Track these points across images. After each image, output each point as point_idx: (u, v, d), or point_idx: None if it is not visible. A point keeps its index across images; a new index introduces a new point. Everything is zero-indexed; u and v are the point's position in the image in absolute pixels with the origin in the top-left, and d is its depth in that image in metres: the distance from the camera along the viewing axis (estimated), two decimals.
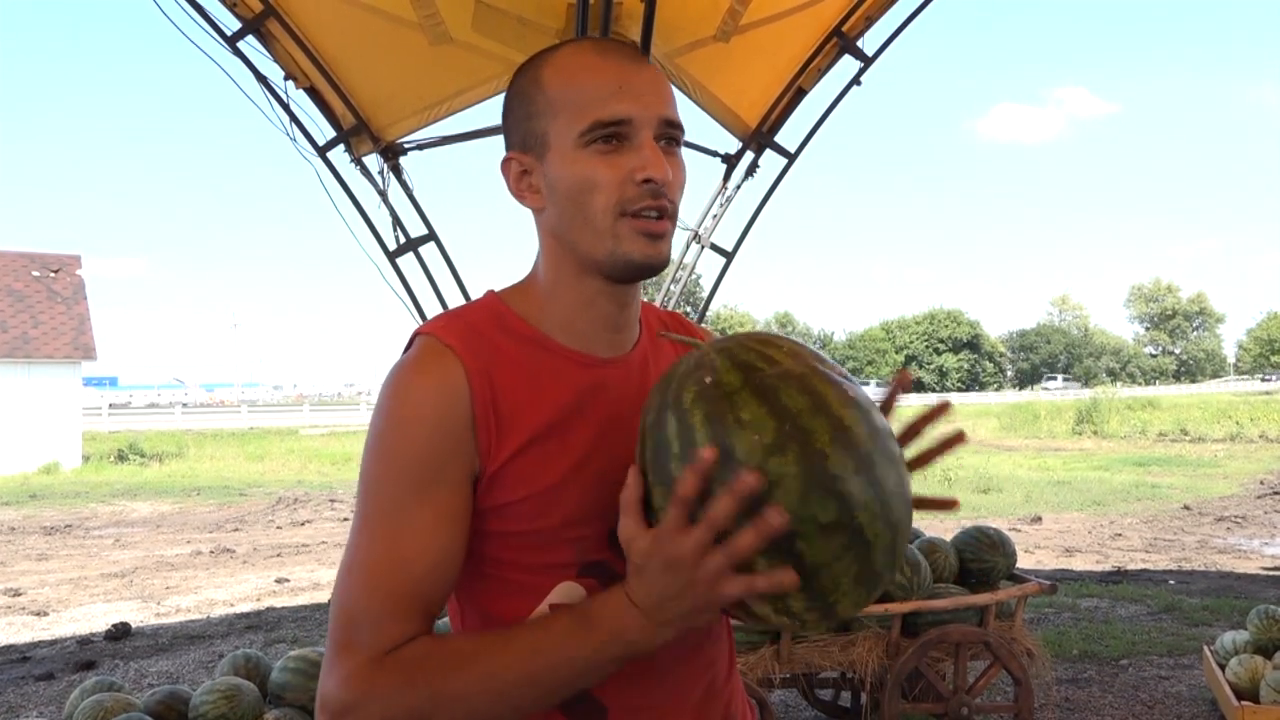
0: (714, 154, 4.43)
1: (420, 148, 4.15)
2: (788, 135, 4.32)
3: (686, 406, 0.84)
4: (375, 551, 0.94)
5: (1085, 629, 5.74)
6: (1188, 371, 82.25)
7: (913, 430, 1.00)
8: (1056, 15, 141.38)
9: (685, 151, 1.05)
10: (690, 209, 4.58)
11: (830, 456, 0.80)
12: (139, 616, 6.64)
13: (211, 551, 9.27)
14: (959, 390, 67.26)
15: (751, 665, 3.29)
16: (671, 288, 4.69)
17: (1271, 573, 7.65)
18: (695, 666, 1.06)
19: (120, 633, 6.07)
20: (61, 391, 19.46)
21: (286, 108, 3.72)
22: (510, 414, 0.97)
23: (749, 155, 4.39)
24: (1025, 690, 3.53)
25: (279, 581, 7.74)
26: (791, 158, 4.34)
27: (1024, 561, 7.93)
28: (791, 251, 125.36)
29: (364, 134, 3.89)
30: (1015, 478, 15.05)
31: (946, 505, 1.00)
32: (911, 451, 0.99)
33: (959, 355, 72.68)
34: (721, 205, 4.49)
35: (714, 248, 4.49)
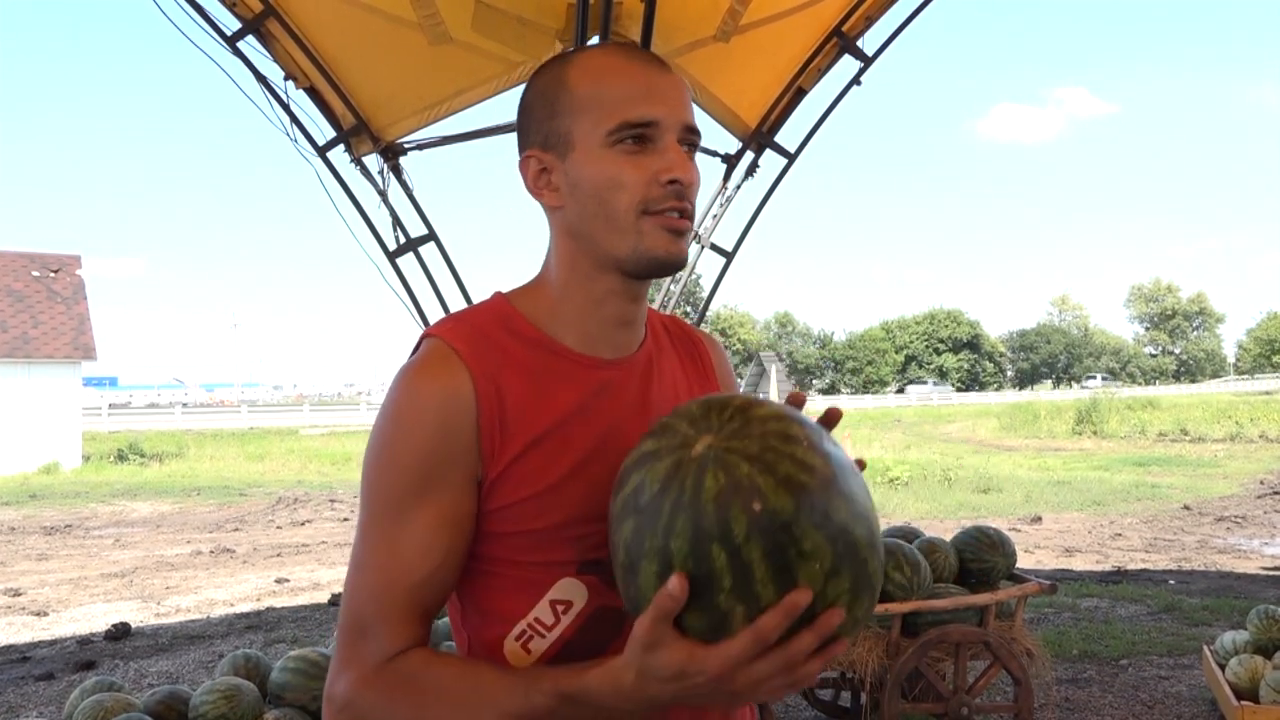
0: (714, 154, 4.43)
1: (420, 148, 4.15)
2: (788, 135, 4.32)
3: (739, 542, 0.79)
4: (378, 556, 0.96)
5: (1085, 629, 5.74)
6: (1188, 371, 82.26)
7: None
8: (1056, 15, 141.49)
9: None
10: None
11: (869, 560, 0.85)
12: (139, 616, 6.64)
13: (211, 551, 9.28)
14: (959, 390, 67.25)
15: None
16: (672, 288, 4.69)
17: (1271, 573, 7.65)
18: None
19: (120, 633, 6.07)
20: (61, 391, 19.46)
21: (286, 108, 3.72)
22: (514, 418, 0.98)
23: (749, 155, 4.39)
24: (1025, 690, 3.53)
25: (279, 581, 7.74)
26: (791, 158, 4.34)
27: (1024, 561, 7.94)
28: (791, 251, 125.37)
29: (364, 134, 3.89)
30: (1015, 478, 15.05)
31: None
32: None
33: (959, 355, 72.66)
34: (721, 205, 4.49)
35: (714, 248, 4.48)
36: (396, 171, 4.09)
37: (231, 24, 3.49)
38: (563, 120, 1.01)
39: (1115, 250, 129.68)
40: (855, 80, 4.10)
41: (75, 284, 21.06)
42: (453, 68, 3.71)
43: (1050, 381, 75.81)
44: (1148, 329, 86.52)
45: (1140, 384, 70.24)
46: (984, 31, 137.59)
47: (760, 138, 4.30)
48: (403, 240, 4.01)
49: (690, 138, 1.01)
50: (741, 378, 36.30)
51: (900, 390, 65.62)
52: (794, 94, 4.17)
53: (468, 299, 4.09)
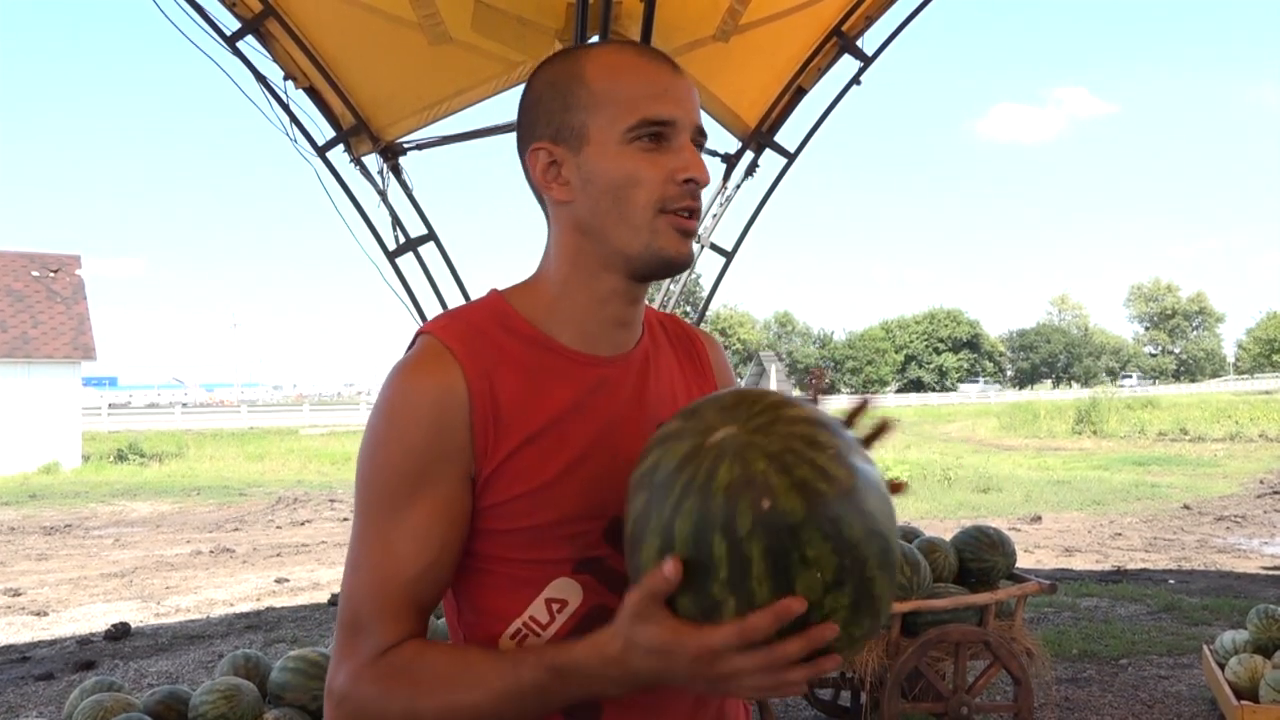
0: (714, 154, 4.43)
1: (420, 147, 4.15)
2: (787, 135, 4.33)
3: (742, 535, 0.79)
4: (373, 553, 0.97)
5: (1085, 628, 5.74)
6: (1187, 371, 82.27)
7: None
8: (1056, 15, 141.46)
9: None
10: None
11: (876, 580, 0.82)
12: (139, 616, 6.64)
13: (211, 551, 9.28)
14: (959, 389, 67.23)
15: None
16: (671, 288, 4.69)
17: (1271, 572, 7.65)
18: None
19: (120, 633, 6.07)
20: (61, 391, 19.46)
21: (286, 108, 3.72)
22: (509, 415, 0.98)
23: (749, 155, 4.39)
24: (1025, 690, 3.53)
25: (279, 581, 7.74)
26: (791, 157, 4.34)
27: (1024, 561, 7.94)
28: (791, 251, 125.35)
29: (363, 134, 3.89)
30: (1015, 477, 15.06)
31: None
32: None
33: (959, 355, 72.67)
34: (721, 205, 4.49)
35: (714, 247, 4.49)
36: (396, 171, 4.09)
37: (231, 24, 3.49)
38: (577, 114, 1.00)
39: (1115, 250, 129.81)
40: (855, 80, 4.10)
41: (75, 284, 21.06)
42: (452, 68, 3.71)
43: (1050, 381, 75.82)
44: (1147, 329, 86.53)
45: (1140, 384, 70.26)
46: (984, 31, 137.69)
47: (760, 137, 4.30)
48: (402, 240, 4.01)
49: (700, 139, 1.03)
50: (741, 377, 36.25)
51: (951, 388, 65.98)
52: (794, 93, 4.17)
53: (467, 299, 4.09)
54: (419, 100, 3.90)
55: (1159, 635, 5.55)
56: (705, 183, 1.00)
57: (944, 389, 67.91)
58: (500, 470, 0.97)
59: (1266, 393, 47.15)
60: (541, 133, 1.03)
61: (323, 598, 7.09)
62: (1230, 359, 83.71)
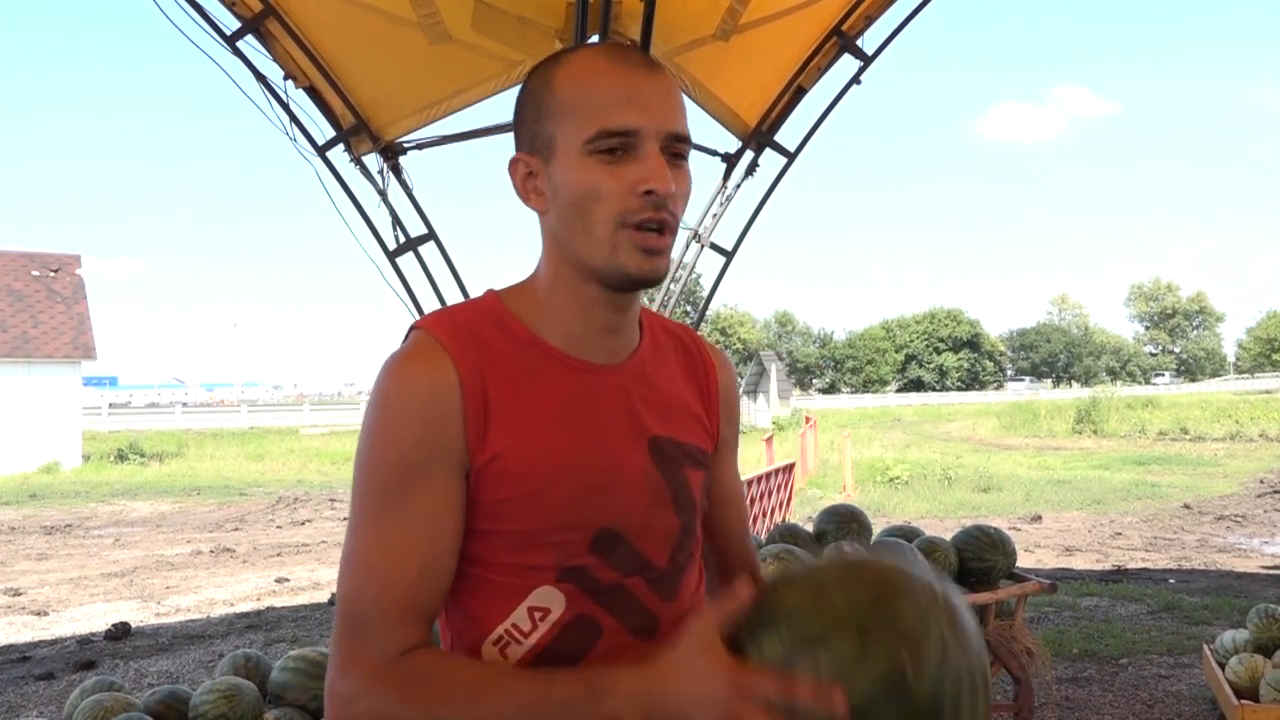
0: (714, 153, 4.43)
1: (420, 147, 4.15)
2: (787, 134, 4.33)
3: (855, 688, 0.85)
4: (375, 549, 0.96)
5: (1085, 628, 5.74)
6: (1187, 370, 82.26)
7: None
8: (1056, 14, 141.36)
9: None
10: (691, 208, 4.53)
11: None
12: (139, 616, 6.64)
13: (211, 551, 9.28)
14: (959, 389, 67.26)
15: None
16: (671, 287, 4.69)
17: (1271, 571, 7.65)
18: None
19: (120, 632, 6.07)
20: (61, 391, 19.46)
21: (286, 107, 3.72)
22: (498, 414, 0.97)
23: (749, 154, 4.39)
24: (1025, 689, 3.53)
25: (279, 581, 7.74)
26: (791, 157, 4.34)
27: (1024, 560, 7.93)
28: (791, 251, 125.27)
29: (363, 133, 3.89)
30: (1015, 477, 15.05)
31: None
32: None
33: (959, 354, 72.63)
34: (721, 204, 4.49)
35: (714, 247, 4.49)
36: (396, 171, 4.09)
37: (231, 23, 3.49)
38: (547, 124, 0.99)
39: (1115, 249, 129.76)
40: (855, 79, 4.10)
41: (75, 283, 21.07)
42: (452, 67, 3.71)
43: (1050, 380, 75.83)
44: (1147, 328, 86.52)
45: (1140, 383, 70.26)
46: (984, 31, 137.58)
47: (760, 137, 4.30)
48: (402, 240, 4.01)
49: (675, 146, 0.98)
50: (742, 377, 36.25)
51: (999, 387, 66.12)
52: (794, 93, 4.17)
53: (467, 298, 4.07)
54: (419, 100, 3.89)
55: (1159, 635, 5.55)
56: (667, 193, 0.95)
57: (944, 388, 67.88)
58: (487, 469, 0.97)
59: (1267, 392, 47.16)
60: (521, 142, 1.03)
61: (323, 597, 7.09)
62: (1231, 358, 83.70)
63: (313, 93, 3.76)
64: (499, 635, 1.00)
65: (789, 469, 10.76)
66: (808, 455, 15.11)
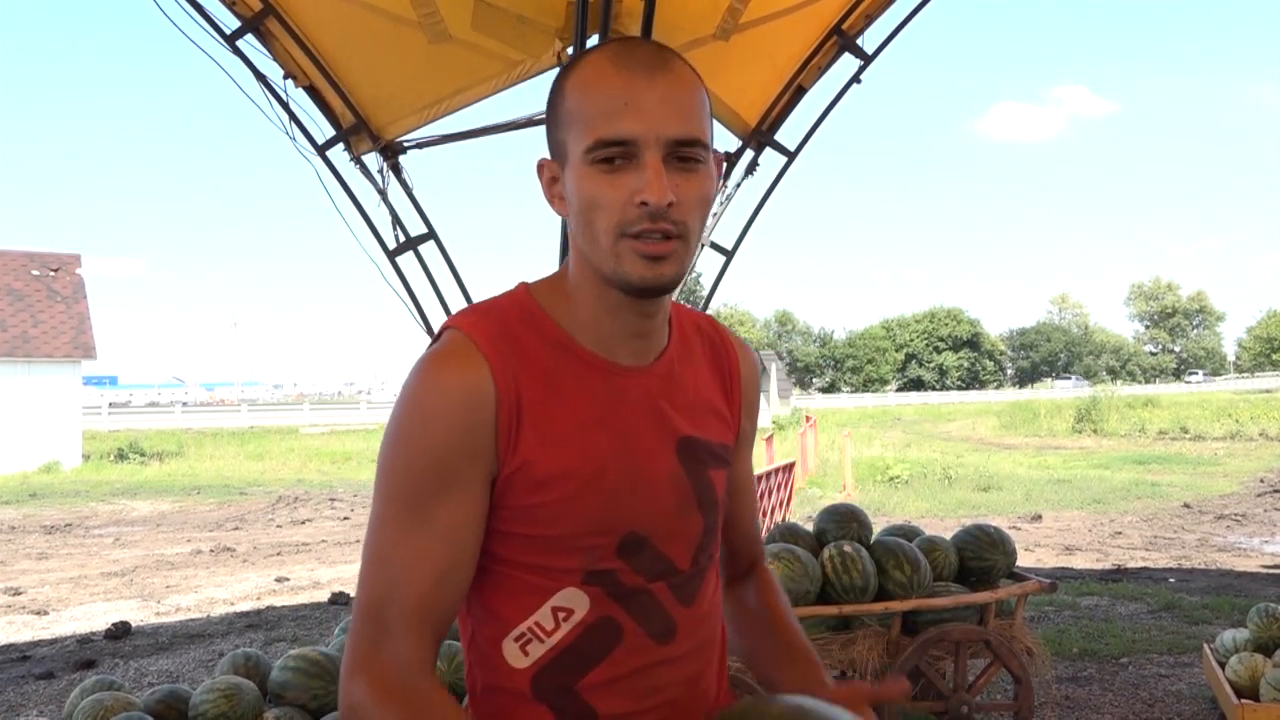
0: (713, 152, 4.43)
1: (420, 146, 4.15)
2: (788, 133, 4.32)
3: None
4: (398, 551, 0.96)
5: (1085, 627, 5.74)
6: (1188, 370, 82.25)
7: None
8: (1056, 14, 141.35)
9: None
10: None
11: None
12: (139, 615, 6.64)
13: (212, 550, 9.28)
14: (959, 389, 67.25)
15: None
16: None
17: (1271, 571, 7.65)
18: (685, 673, 1.07)
19: (120, 632, 6.07)
20: (61, 390, 19.46)
21: (286, 106, 3.72)
22: (531, 419, 0.97)
23: (749, 154, 4.39)
24: (1025, 688, 3.53)
25: (279, 580, 7.74)
26: (791, 156, 4.34)
27: (1024, 560, 7.93)
28: (791, 250, 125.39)
29: (363, 133, 3.89)
30: (1015, 476, 15.05)
31: None
32: None
33: (959, 354, 72.64)
34: (721, 204, 4.48)
35: (714, 246, 4.48)
36: (396, 170, 4.08)
37: (231, 22, 3.49)
38: (560, 131, 0.99)
39: (1115, 249, 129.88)
40: (855, 78, 4.09)
41: (75, 283, 21.06)
42: (452, 66, 3.70)
43: (1050, 380, 75.82)
44: (1148, 327, 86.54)
45: (1140, 382, 70.23)
46: (983, 30, 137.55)
47: (760, 136, 4.29)
48: (402, 239, 4.00)
49: (680, 151, 0.94)
50: None
51: (1050, 386, 66.05)
52: (794, 92, 4.17)
53: (467, 297, 4.09)
54: (419, 99, 3.89)
55: (1159, 634, 5.55)
56: (660, 205, 0.92)
57: (944, 388, 67.86)
58: (518, 475, 0.97)
59: (1267, 391, 47.15)
60: (549, 146, 1.03)
61: (323, 597, 7.09)
62: (1231, 358, 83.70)
63: (313, 92, 3.76)
64: (521, 632, 1.00)
65: (789, 468, 10.76)
66: (808, 454, 15.10)
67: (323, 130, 3.84)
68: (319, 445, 23.65)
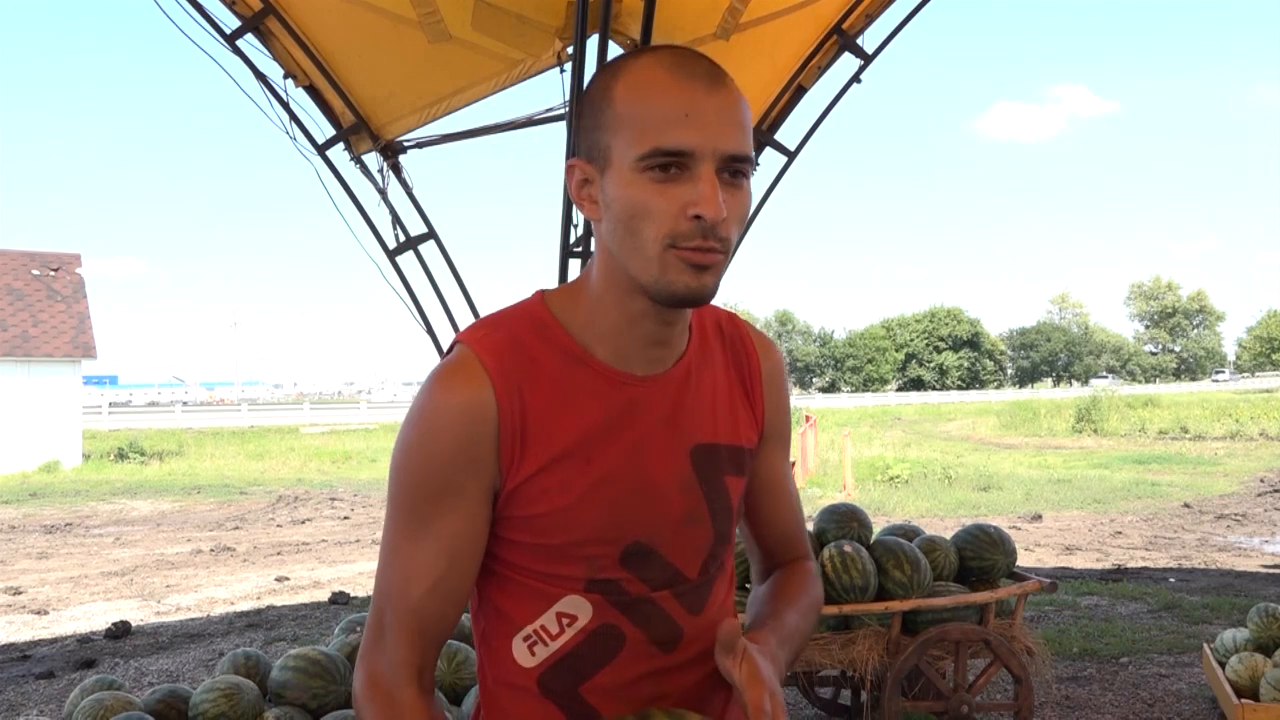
0: None
1: (420, 146, 4.15)
2: (788, 133, 4.32)
3: None
4: (399, 558, 1.01)
5: (1085, 627, 5.74)
6: (1188, 369, 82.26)
7: None
8: (1056, 13, 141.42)
9: None
10: None
11: None
12: (139, 615, 6.64)
13: (212, 550, 9.28)
14: (959, 388, 67.23)
15: None
16: None
17: (1272, 571, 7.65)
18: (690, 680, 1.08)
19: (120, 631, 6.07)
20: (61, 390, 19.45)
21: (286, 106, 3.72)
22: (536, 433, 0.98)
23: None
24: (1025, 688, 3.53)
25: (279, 580, 7.74)
26: (791, 156, 4.34)
27: (1024, 559, 7.94)
28: (791, 250, 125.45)
29: (363, 132, 3.89)
30: (1015, 476, 15.05)
31: None
32: None
33: (959, 353, 72.63)
34: None
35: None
36: (396, 170, 4.09)
37: (231, 22, 3.49)
38: (604, 134, 0.96)
39: (1115, 248, 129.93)
40: (855, 78, 4.10)
41: (75, 283, 21.06)
42: (452, 66, 3.70)
43: (1050, 380, 75.82)
44: (1148, 327, 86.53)
45: (1140, 382, 70.21)
46: (983, 30, 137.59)
47: (760, 136, 4.29)
48: (402, 239, 4.01)
49: (733, 165, 0.94)
50: None
51: (1085, 383, 65.43)
52: (794, 92, 4.17)
53: (467, 297, 4.09)
54: (419, 98, 3.89)
55: (1159, 634, 5.55)
56: (716, 219, 0.91)
57: (944, 387, 67.86)
58: (522, 488, 0.98)
59: (1267, 391, 47.15)
60: (580, 148, 1.01)
61: (323, 596, 7.09)
62: (1231, 357, 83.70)
63: (313, 91, 3.76)
64: (529, 633, 1.03)
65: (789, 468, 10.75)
66: (808, 454, 15.11)
67: (323, 130, 3.84)
68: (319, 445, 23.65)
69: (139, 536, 10.41)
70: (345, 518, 11.67)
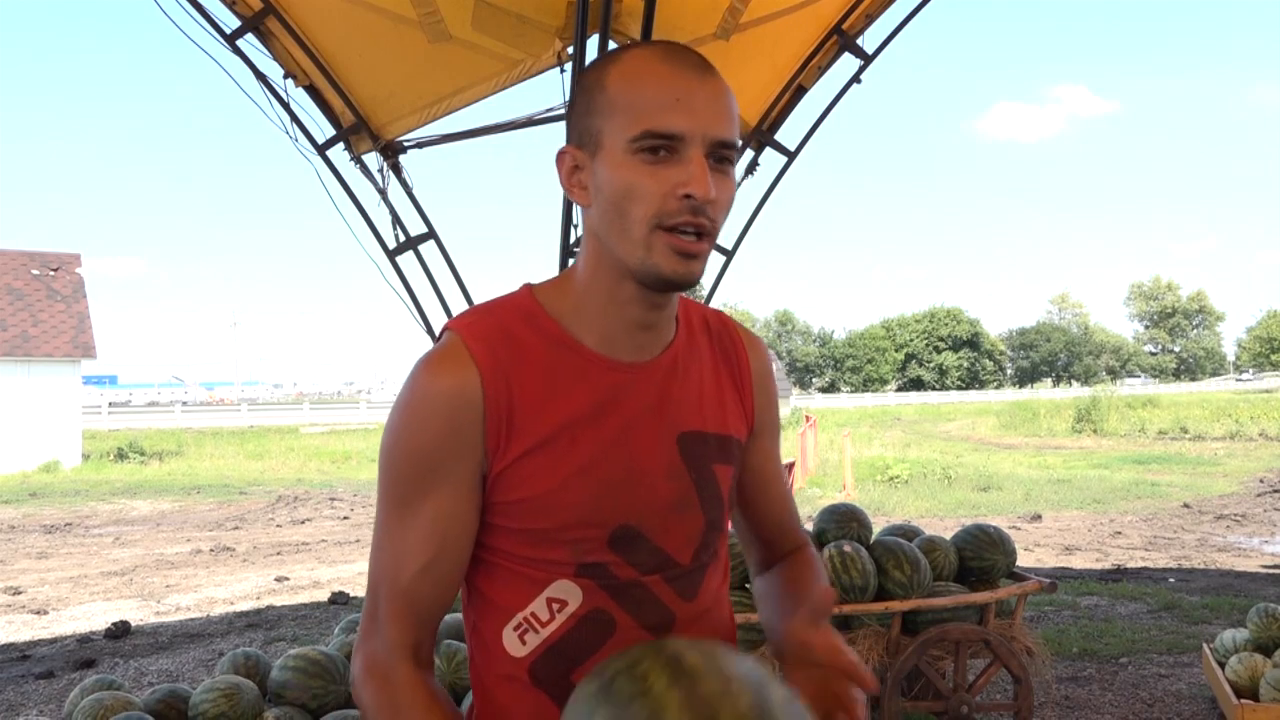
0: None
1: (420, 146, 4.15)
2: (788, 133, 4.32)
3: None
4: (389, 543, 1.02)
5: (1085, 627, 5.74)
6: (1187, 370, 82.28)
7: None
8: (1056, 13, 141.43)
9: None
10: None
11: None
12: (139, 615, 6.64)
13: (211, 550, 9.27)
14: (959, 388, 67.25)
15: None
16: None
17: (1271, 571, 7.65)
18: None
19: (120, 631, 6.07)
20: (61, 390, 19.44)
21: (286, 106, 3.71)
22: (522, 417, 0.99)
23: (749, 153, 4.39)
24: (1025, 688, 3.53)
25: (279, 580, 7.74)
26: (791, 156, 4.34)
27: (1024, 559, 7.94)
28: (791, 250, 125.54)
29: (363, 132, 3.89)
30: (1015, 476, 15.05)
31: None
32: None
33: (959, 353, 72.66)
34: None
35: (714, 246, 4.48)
36: (396, 170, 4.08)
37: (231, 22, 3.49)
38: (595, 119, 0.99)
39: (1115, 248, 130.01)
40: (855, 78, 4.09)
41: (75, 282, 21.05)
42: (452, 66, 3.70)
43: (1050, 380, 75.83)
44: (1147, 327, 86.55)
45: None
46: (983, 30, 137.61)
47: (760, 136, 4.29)
48: (402, 238, 4.00)
49: (721, 152, 0.97)
50: None
51: (1116, 380, 65.01)
52: (794, 92, 4.16)
53: (467, 297, 4.09)
54: (419, 98, 3.89)
55: (1159, 634, 5.55)
56: (706, 198, 0.94)
57: (944, 387, 67.86)
58: (508, 471, 0.99)
59: (1267, 391, 47.16)
60: (570, 136, 1.04)
61: (323, 596, 7.09)
62: (1230, 358, 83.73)
63: (313, 91, 3.76)
64: (519, 622, 1.03)
65: (789, 468, 10.77)
66: (808, 454, 15.11)
67: (323, 130, 3.84)
68: (319, 445, 23.65)
69: (139, 536, 10.40)
70: (345, 518, 11.67)
